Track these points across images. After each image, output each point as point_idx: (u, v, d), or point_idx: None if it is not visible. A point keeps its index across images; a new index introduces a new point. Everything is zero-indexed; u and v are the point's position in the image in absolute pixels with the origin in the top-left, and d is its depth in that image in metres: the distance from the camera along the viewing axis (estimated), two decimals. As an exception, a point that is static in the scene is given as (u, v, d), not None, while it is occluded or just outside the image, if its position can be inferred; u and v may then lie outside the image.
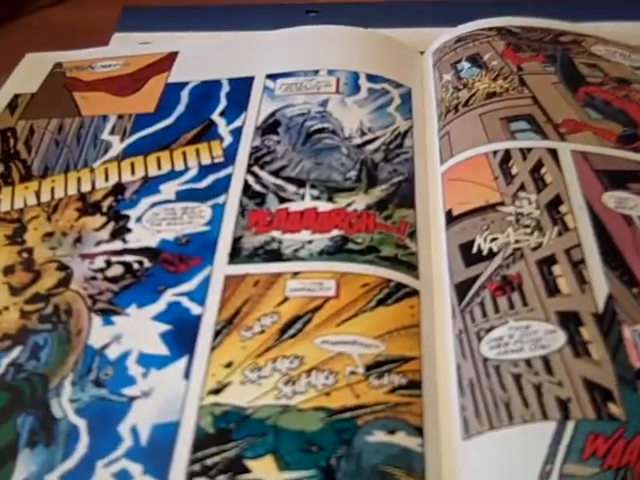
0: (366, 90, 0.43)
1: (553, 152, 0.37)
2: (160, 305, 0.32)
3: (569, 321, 0.30)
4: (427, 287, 0.34)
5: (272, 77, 0.44)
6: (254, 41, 0.47)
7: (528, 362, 0.29)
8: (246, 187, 0.37)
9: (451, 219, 0.36)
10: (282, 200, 0.36)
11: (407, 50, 0.48)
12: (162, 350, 0.31)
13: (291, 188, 0.37)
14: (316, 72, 0.44)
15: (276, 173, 0.38)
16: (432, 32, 0.49)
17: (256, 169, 0.38)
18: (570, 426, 0.27)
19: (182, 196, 0.37)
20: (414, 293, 0.33)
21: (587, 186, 0.36)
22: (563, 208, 0.35)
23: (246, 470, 0.26)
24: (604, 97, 0.42)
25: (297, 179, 0.38)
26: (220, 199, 0.37)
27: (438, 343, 0.32)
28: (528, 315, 0.30)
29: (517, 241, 0.33)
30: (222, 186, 0.37)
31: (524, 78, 0.42)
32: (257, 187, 0.37)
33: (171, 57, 0.47)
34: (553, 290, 0.31)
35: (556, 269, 0.32)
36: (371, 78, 0.44)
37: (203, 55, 0.47)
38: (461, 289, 0.33)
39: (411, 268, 0.34)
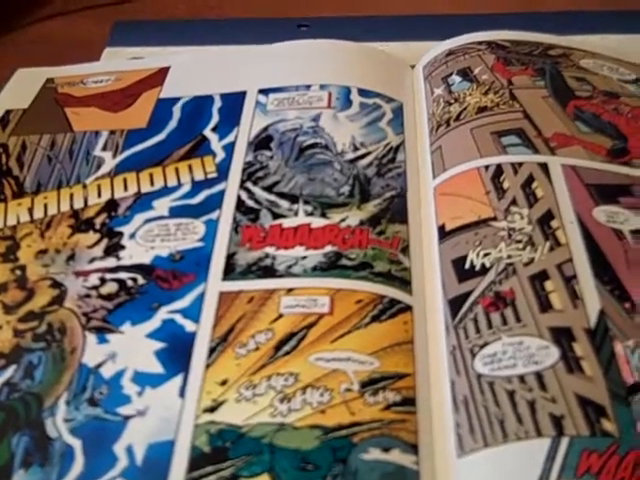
0: (358, 105, 0.43)
1: (544, 166, 0.38)
2: (154, 323, 0.32)
3: (562, 337, 0.30)
4: (420, 303, 0.34)
5: (264, 92, 0.44)
6: (246, 55, 0.48)
7: (522, 378, 0.29)
8: (239, 203, 0.37)
9: (444, 234, 0.36)
10: (276, 216, 0.37)
11: (398, 64, 0.48)
12: (157, 368, 0.31)
13: (284, 204, 0.37)
14: (308, 87, 0.44)
15: (269, 189, 0.38)
16: (423, 46, 0.50)
17: (249, 185, 0.38)
18: (564, 443, 0.27)
19: (175, 212, 0.37)
20: (407, 309, 0.33)
21: (578, 201, 0.36)
22: (554, 223, 0.35)
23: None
24: (593, 110, 0.42)
25: (290, 195, 0.38)
26: (214, 215, 0.37)
27: (432, 359, 0.32)
28: (521, 331, 0.31)
29: (509, 256, 0.34)
30: (215, 202, 0.38)
31: (514, 92, 0.43)
32: (250, 203, 0.37)
33: (163, 72, 0.47)
34: (546, 306, 0.31)
35: (548, 285, 0.32)
36: (363, 93, 0.44)
37: (195, 70, 0.47)
38: (454, 305, 0.33)
39: (404, 284, 0.34)
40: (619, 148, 0.40)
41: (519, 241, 0.34)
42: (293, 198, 0.38)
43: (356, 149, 0.41)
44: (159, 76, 0.47)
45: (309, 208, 0.37)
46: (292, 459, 0.27)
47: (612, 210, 0.36)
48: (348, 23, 0.53)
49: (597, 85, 0.44)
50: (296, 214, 0.37)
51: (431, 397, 0.30)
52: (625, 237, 0.35)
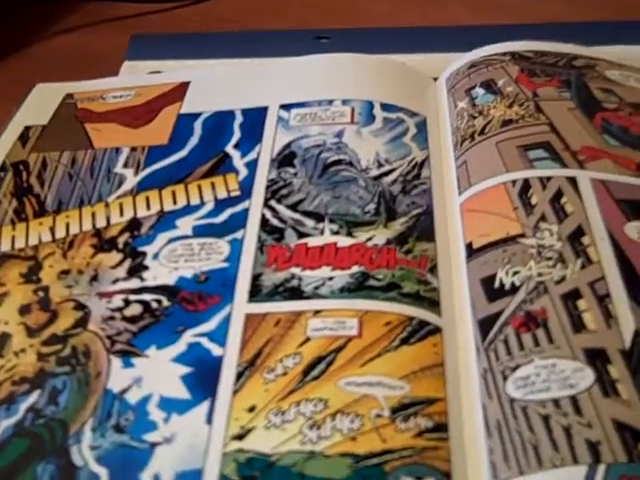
0: (381, 120, 0.43)
1: (572, 181, 0.37)
2: (180, 346, 0.32)
3: (597, 359, 0.29)
4: (450, 324, 0.33)
5: (286, 107, 0.44)
6: (267, 69, 0.47)
7: (556, 402, 0.28)
8: (264, 222, 0.37)
9: (472, 252, 0.35)
10: (301, 235, 0.36)
11: (420, 77, 0.47)
12: (183, 394, 0.30)
13: (310, 222, 0.37)
14: (330, 102, 0.44)
15: (294, 207, 0.38)
16: (445, 58, 0.49)
17: (273, 203, 0.38)
18: (601, 470, 0.26)
19: (199, 231, 0.37)
20: (437, 330, 0.32)
21: (609, 216, 0.35)
22: (585, 240, 0.34)
23: (272, 519, 0.26)
24: (621, 123, 0.41)
25: (315, 213, 0.37)
26: (238, 234, 0.36)
27: (463, 383, 0.31)
28: (554, 353, 0.30)
29: (540, 274, 0.33)
30: (239, 221, 0.37)
31: (540, 104, 0.42)
32: (275, 221, 0.37)
33: (183, 87, 0.47)
34: (579, 326, 0.31)
35: (581, 304, 0.32)
36: (386, 107, 0.44)
37: (215, 84, 0.47)
38: (484, 325, 0.32)
39: (433, 304, 0.33)
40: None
41: (549, 258, 0.34)
42: (318, 216, 0.37)
43: (380, 165, 0.40)
44: (179, 91, 0.47)
45: (335, 227, 0.37)
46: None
47: (643, 226, 0.35)
48: (368, 35, 0.53)
49: (624, 97, 0.43)
50: (322, 233, 0.36)
51: (463, 422, 0.30)
52: (657, 253, 0.34)
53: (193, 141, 0.43)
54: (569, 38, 0.48)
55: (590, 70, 0.45)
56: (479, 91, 0.44)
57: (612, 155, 0.39)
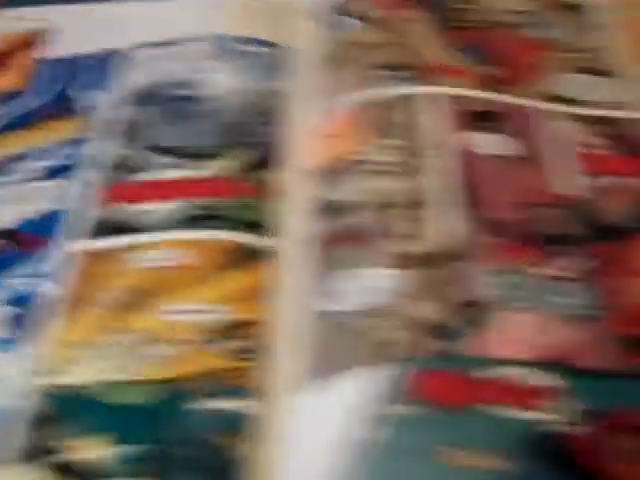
0: (239, 53, 0.42)
1: (424, 97, 0.37)
2: (6, 287, 0.31)
3: (409, 263, 0.29)
4: (284, 248, 0.33)
5: (139, 47, 0.42)
6: (121, 11, 0.46)
7: (368, 311, 0.28)
8: (109, 160, 0.36)
9: (317, 175, 0.35)
10: (146, 170, 0.35)
11: (286, 8, 0.46)
12: (4, 333, 0.29)
13: (156, 158, 0.36)
14: (187, 39, 0.43)
15: (141, 143, 0.37)
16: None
17: (120, 140, 0.37)
18: (399, 367, 0.26)
19: (42, 174, 0.36)
20: (265, 254, 0.32)
21: (453, 128, 0.35)
22: (427, 152, 0.34)
23: (83, 448, 0.26)
24: (476, 42, 0.41)
25: (163, 148, 0.37)
26: (77, 174, 0.35)
27: (288, 303, 0.31)
28: (372, 262, 0.30)
29: (375, 190, 0.33)
30: (81, 161, 0.36)
31: (402, 26, 0.41)
32: (120, 159, 0.36)
33: (39, 33, 0.45)
34: (399, 235, 0.31)
35: (408, 213, 0.31)
36: (245, 40, 0.43)
37: (70, 29, 0.45)
38: (314, 245, 0.32)
39: (264, 230, 0.33)
40: (498, 77, 0.39)
41: (387, 173, 0.33)
42: (166, 151, 0.36)
43: (235, 97, 0.39)
44: (37, 37, 0.45)
45: (181, 161, 0.36)
46: (133, 415, 0.26)
47: (483, 136, 0.35)
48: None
49: (483, 15, 0.43)
50: (167, 167, 0.36)
51: (283, 341, 0.29)
52: (492, 161, 0.34)
53: (45, 85, 0.41)
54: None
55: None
56: (348, 19, 0.43)
57: (463, 71, 0.39)
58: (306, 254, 0.32)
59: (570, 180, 0.34)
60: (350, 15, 0.43)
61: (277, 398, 0.27)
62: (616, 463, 0.24)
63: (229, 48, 0.42)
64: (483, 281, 0.29)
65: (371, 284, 0.29)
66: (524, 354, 0.27)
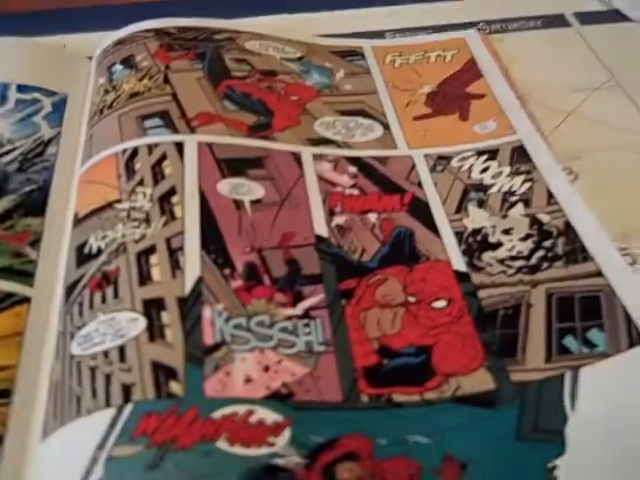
0: (14, 101, 0.43)
1: (180, 145, 0.38)
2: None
3: (153, 307, 0.31)
4: (42, 293, 0.33)
5: None
6: None
7: (106, 354, 0.29)
8: None
9: (77, 222, 0.36)
10: None
11: (69, 56, 0.48)
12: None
13: None
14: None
15: None
16: (102, 36, 0.49)
17: None
18: (128, 409, 0.27)
19: None
20: (24, 301, 0.33)
21: (205, 175, 0.37)
22: (175, 199, 0.36)
23: None
24: (244, 89, 0.43)
25: None
26: None
27: (46, 349, 0.32)
28: (116, 307, 0.31)
29: (124, 235, 0.34)
30: None
31: (169, 76, 0.43)
32: None
33: None
34: (145, 279, 0.32)
35: (153, 259, 0.33)
36: (21, 88, 0.44)
37: None
38: (69, 291, 0.33)
39: (26, 276, 0.34)
40: (262, 123, 0.41)
41: (136, 219, 0.35)
42: None
43: (1, 146, 0.40)
44: None
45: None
46: None
47: (237, 182, 0.37)
48: (31, 17, 0.52)
49: (256, 65, 0.46)
50: None
51: (36, 386, 0.30)
52: (244, 207, 0.36)
53: None
54: (217, 12, 0.49)
55: (230, 42, 0.47)
56: (118, 67, 0.45)
57: (226, 119, 0.41)
58: (59, 299, 0.33)
59: (323, 220, 0.36)
60: (119, 62, 0.45)
61: (21, 442, 0.28)
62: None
63: (9, 96, 0.43)
64: (219, 324, 0.30)
65: (115, 328, 0.30)
66: (252, 392, 0.28)
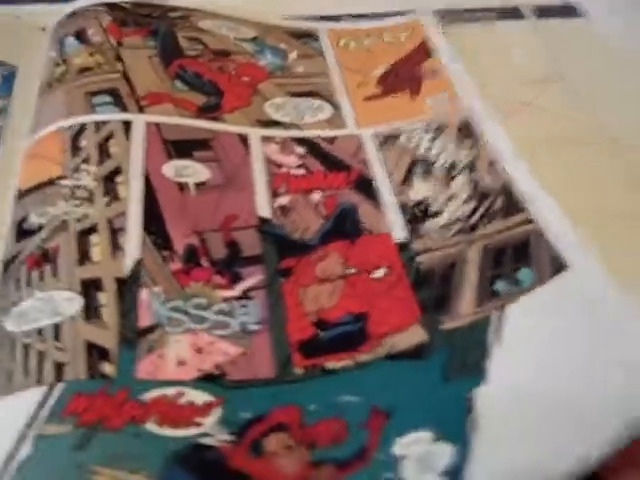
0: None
1: (128, 125, 0.38)
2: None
3: (91, 287, 0.31)
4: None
5: None
6: None
7: (40, 331, 0.30)
8: None
9: (19, 197, 0.36)
10: None
11: (23, 27, 0.47)
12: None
13: None
14: None
15: None
16: (59, 8, 0.49)
17: None
18: (59, 388, 0.28)
19: None
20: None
21: (151, 156, 0.37)
22: (119, 179, 0.36)
23: None
24: (196, 69, 0.43)
25: None
26: None
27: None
28: (54, 286, 0.31)
29: (65, 213, 0.34)
30: None
31: (121, 52, 0.43)
32: None
33: None
34: (84, 259, 0.32)
35: (94, 238, 0.33)
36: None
37: None
38: (6, 266, 0.33)
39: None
40: (212, 104, 0.41)
41: (79, 197, 0.35)
42: None
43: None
44: None
45: None
46: None
47: (182, 164, 0.37)
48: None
49: (209, 44, 0.46)
50: None
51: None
52: (188, 188, 0.36)
53: None
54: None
55: (184, 21, 0.47)
56: (70, 40, 0.44)
57: (175, 99, 0.41)
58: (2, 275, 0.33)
59: (266, 201, 0.37)
60: (71, 35, 0.44)
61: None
62: (257, 462, 0.27)
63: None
64: (156, 306, 0.31)
65: (52, 306, 0.30)
66: (183, 374, 0.29)
